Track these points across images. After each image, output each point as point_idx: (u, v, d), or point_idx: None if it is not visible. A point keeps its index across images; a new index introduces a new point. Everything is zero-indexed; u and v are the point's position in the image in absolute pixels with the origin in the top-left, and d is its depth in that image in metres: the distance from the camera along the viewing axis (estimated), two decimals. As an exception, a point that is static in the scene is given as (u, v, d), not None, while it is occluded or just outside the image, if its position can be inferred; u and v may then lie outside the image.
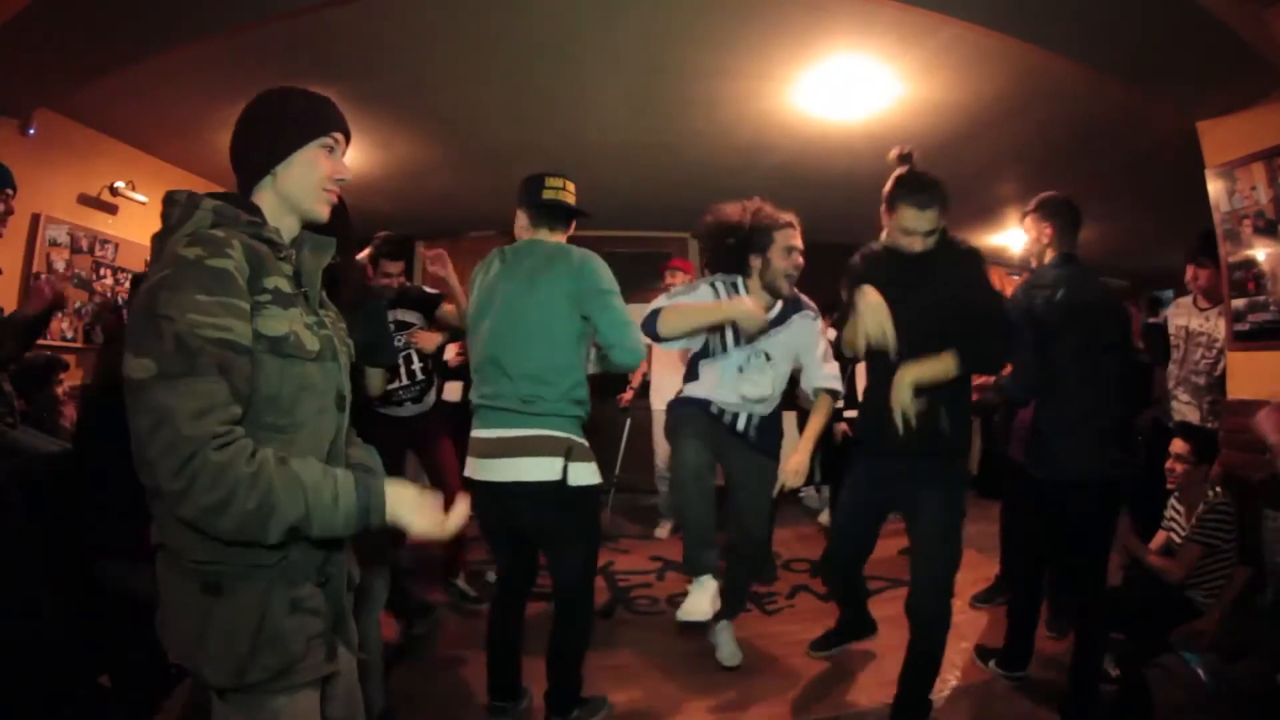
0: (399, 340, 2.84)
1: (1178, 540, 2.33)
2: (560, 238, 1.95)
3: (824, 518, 4.49)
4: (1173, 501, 2.42)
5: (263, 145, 1.02)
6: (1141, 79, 2.80)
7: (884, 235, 2.00)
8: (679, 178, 4.42)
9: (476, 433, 1.89)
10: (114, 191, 3.61)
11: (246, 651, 0.90)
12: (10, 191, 2.17)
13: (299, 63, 2.83)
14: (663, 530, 4.24)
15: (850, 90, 3.09)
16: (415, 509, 0.97)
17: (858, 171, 4.10)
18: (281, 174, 1.02)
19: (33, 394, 2.38)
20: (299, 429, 0.96)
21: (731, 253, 2.38)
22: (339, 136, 1.08)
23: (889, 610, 3.05)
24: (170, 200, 0.96)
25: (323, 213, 1.06)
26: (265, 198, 1.02)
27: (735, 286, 2.37)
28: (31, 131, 3.06)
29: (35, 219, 3.18)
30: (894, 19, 2.51)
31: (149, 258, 0.97)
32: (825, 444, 5.08)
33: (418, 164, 4.15)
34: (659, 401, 4.07)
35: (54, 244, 3.32)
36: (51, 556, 1.78)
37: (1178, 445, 2.37)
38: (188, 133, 3.48)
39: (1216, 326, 2.89)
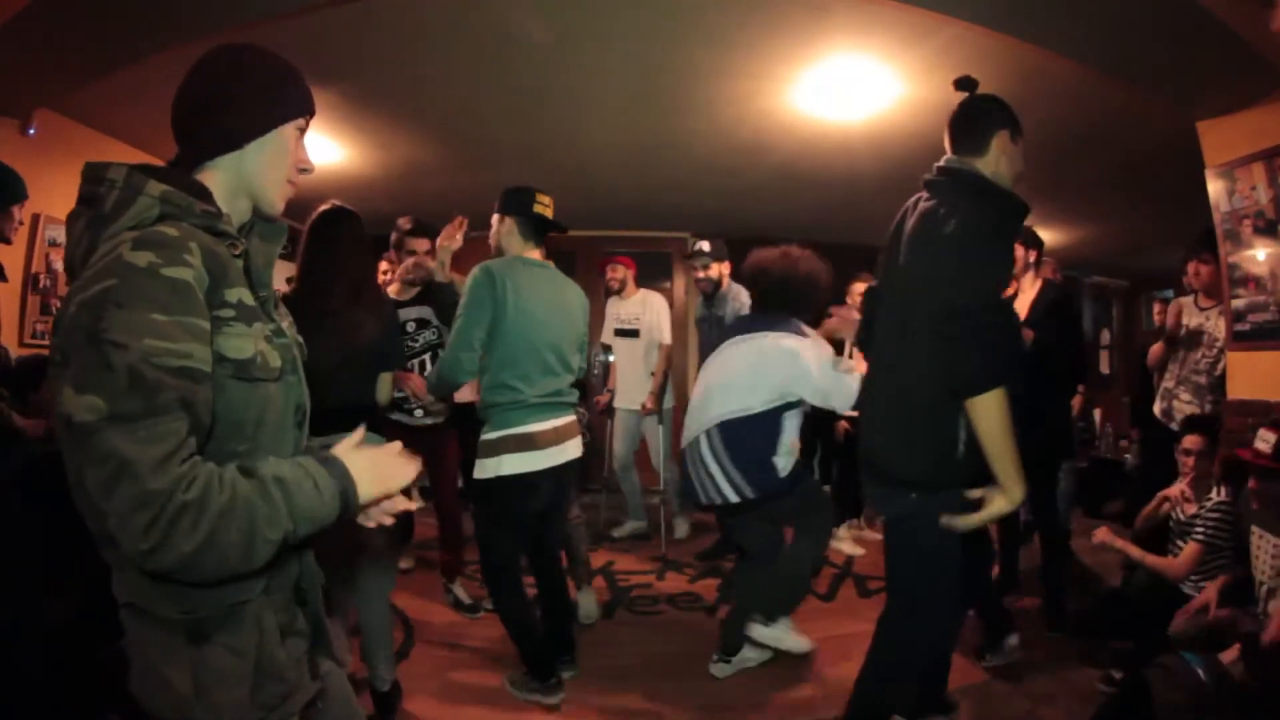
0: (417, 340, 2.81)
1: (1179, 521, 2.38)
2: (540, 251, 2.22)
3: (843, 534, 4.02)
4: (1184, 490, 2.44)
5: (238, 113, 0.86)
6: (1141, 79, 2.80)
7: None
8: (679, 178, 4.42)
9: (536, 426, 2.06)
10: (114, 191, 3.61)
11: (249, 692, 0.81)
12: (24, 201, 2.20)
13: (298, 63, 2.82)
14: (682, 528, 4.20)
15: (850, 90, 3.09)
16: (377, 466, 0.87)
17: (858, 171, 4.11)
18: (253, 152, 0.87)
19: (25, 396, 2.37)
20: (262, 450, 0.85)
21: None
22: (306, 123, 0.94)
23: (889, 610, 3.06)
24: (98, 176, 0.79)
25: (280, 205, 0.92)
26: (217, 177, 0.86)
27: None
28: (31, 131, 3.06)
29: (35, 219, 3.19)
30: (894, 19, 2.51)
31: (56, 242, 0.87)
32: (825, 442, 5.10)
33: (418, 164, 4.15)
34: (625, 400, 4.08)
35: (54, 244, 3.32)
36: (53, 550, 1.77)
37: (1191, 440, 2.39)
38: (187, 133, 3.48)
39: (1217, 325, 2.89)
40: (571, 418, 2.20)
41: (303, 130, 0.93)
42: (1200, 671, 1.60)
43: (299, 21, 2.53)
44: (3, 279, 2.25)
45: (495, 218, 2.22)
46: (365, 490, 0.84)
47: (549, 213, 2.16)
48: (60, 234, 3.36)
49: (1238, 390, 2.77)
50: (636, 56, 2.88)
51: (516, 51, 2.85)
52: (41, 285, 3.29)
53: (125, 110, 3.25)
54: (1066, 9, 2.34)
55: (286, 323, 0.97)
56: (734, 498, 2.21)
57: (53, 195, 3.30)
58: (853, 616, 2.98)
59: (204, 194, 0.83)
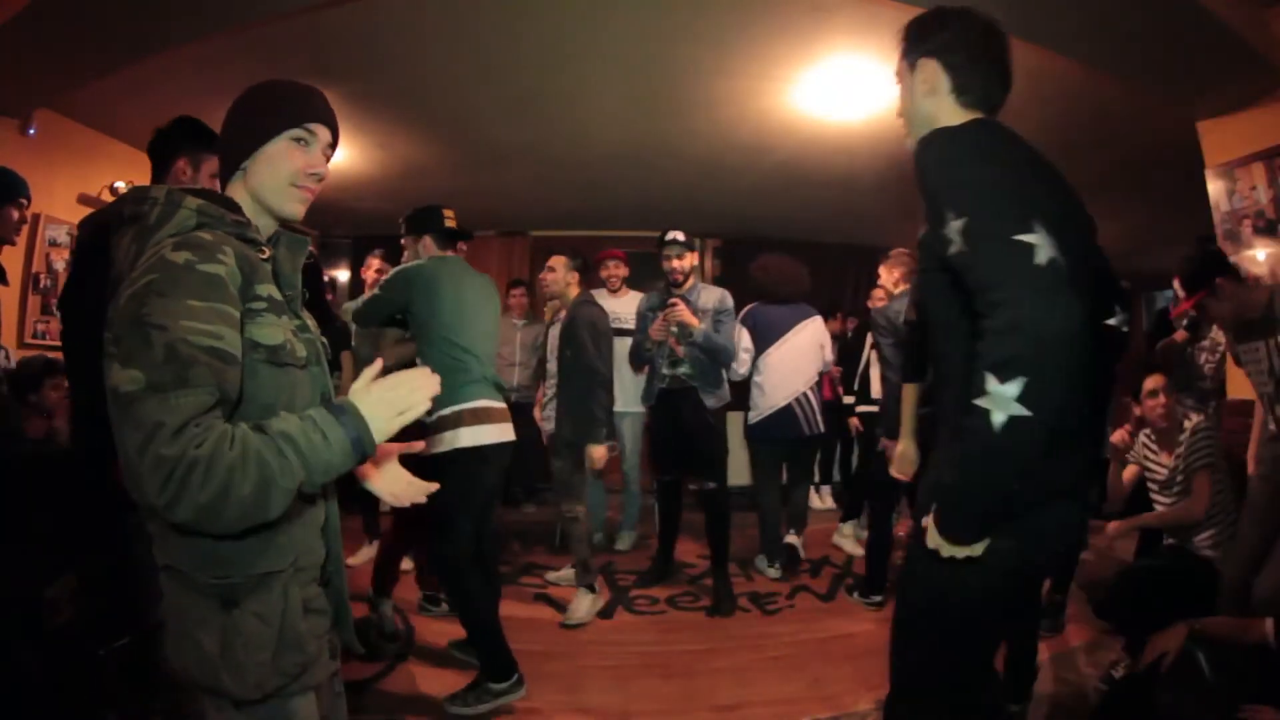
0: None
1: (1160, 477, 2.37)
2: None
3: (846, 531, 4.08)
4: (1144, 442, 2.44)
5: (234, 139, 0.99)
6: (1141, 79, 2.80)
7: None
8: (679, 178, 4.42)
9: (492, 403, 2.22)
10: (114, 191, 3.60)
11: (270, 657, 0.89)
12: (25, 201, 2.19)
13: (299, 63, 2.83)
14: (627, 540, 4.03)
15: (850, 90, 3.09)
16: (392, 402, 0.90)
17: (858, 171, 4.11)
18: (250, 169, 0.98)
19: (24, 397, 2.37)
20: None
21: None
22: (315, 128, 1.00)
23: (889, 611, 3.05)
24: (143, 197, 0.90)
25: (294, 210, 1.00)
26: (239, 194, 0.99)
27: None
28: (31, 131, 3.06)
29: (35, 219, 3.18)
30: (894, 19, 2.48)
31: (74, 246, 0.95)
32: (825, 442, 5.09)
33: (418, 164, 4.15)
34: (623, 403, 3.84)
35: (54, 244, 3.33)
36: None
37: (1153, 381, 2.37)
38: (188, 133, 3.48)
39: (1219, 332, 2.89)
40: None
41: (303, 140, 0.99)
42: (1203, 663, 1.60)
43: (299, 21, 2.53)
44: (3, 282, 2.25)
45: (408, 239, 2.38)
46: (381, 427, 0.89)
47: (454, 224, 2.38)
48: (60, 234, 3.36)
49: (1237, 390, 2.76)
50: (637, 56, 2.88)
51: (516, 51, 2.85)
52: (42, 285, 3.29)
53: (125, 110, 3.25)
54: (1066, 9, 2.34)
55: (311, 322, 1.06)
56: (820, 430, 3.56)
57: (53, 195, 3.30)
58: (853, 616, 2.98)
59: (234, 207, 0.95)
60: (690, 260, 3.17)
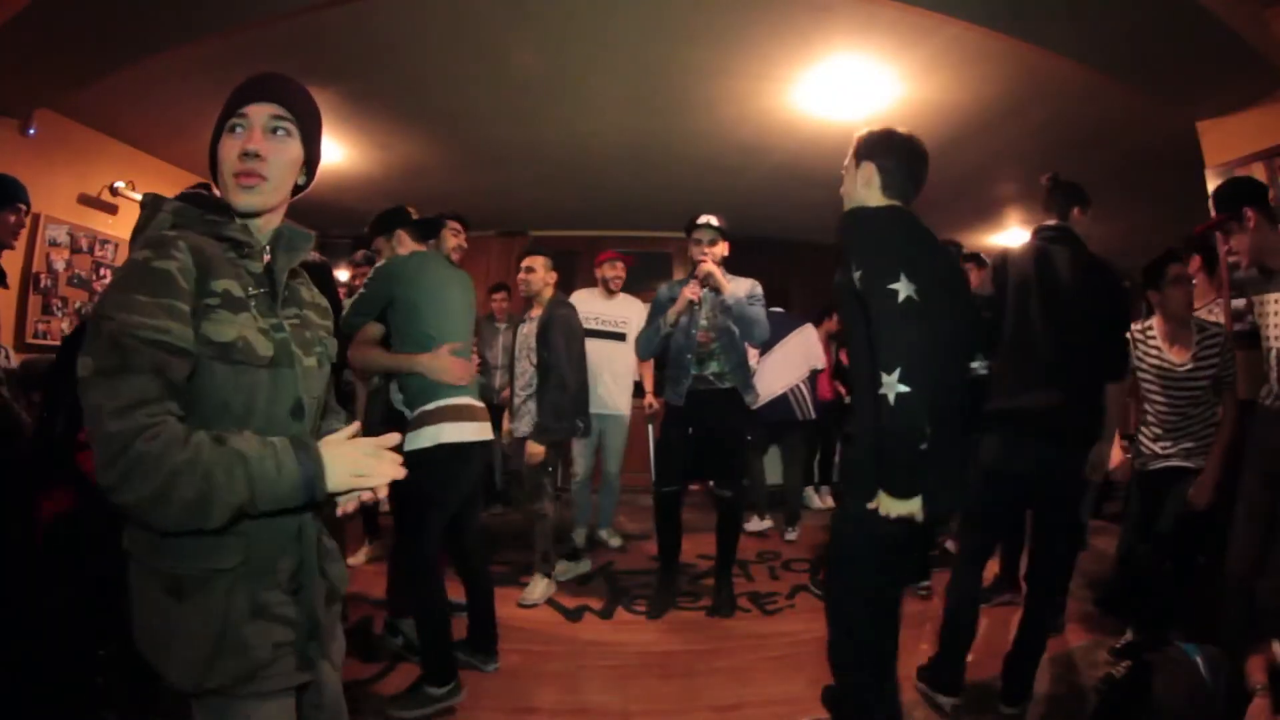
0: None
1: (1173, 373, 2.41)
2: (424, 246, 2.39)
3: None
4: (1141, 337, 2.48)
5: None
6: (1141, 79, 2.80)
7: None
8: (679, 178, 4.42)
9: (473, 401, 2.20)
10: (114, 191, 3.61)
11: (208, 656, 0.89)
12: (24, 207, 2.20)
13: (298, 63, 2.83)
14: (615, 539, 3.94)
15: (850, 90, 3.09)
16: (356, 461, 0.91)
17: (858, 171, 4.11)
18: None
19: (26, 396, 2.37)
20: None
21: None
22: (247, 110, 0.96)
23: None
24: (142, 203, 0.97)
25: (242, 202, 0.96)
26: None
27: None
28: (31, 131, 3.06)
29: (35, 219, 3.18)
30: (894, 19, 2.51)
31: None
32: (825, 443, 5.10)
33: (418, 164, 4.16)
34: (613, 405, 3.76)
35: (54, 244, 3.33)
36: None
37: (1177, 268, 2.40)
38: (188, 133, 3.48)
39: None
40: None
41: (235, 128, 0.96)
42: (1200, 664, 1.60)
43: (299, 21, 2.53)
44: (2, 284, 2.25)
45: (380, 241, 2.40)
46: (335, 481, 0.90)
47: (416, 214, 2.40)
48: (60, 234, 3.36)
49: (1238, 390, 2.76)
50: (637, 56, 2.89)
51: (516, 51, 2.85)
52: (42, 285, 3.29)
53: (125, 110, 3.25)
54: (1066, 9, 2.34)
55: (304, 318, 1.04)
56: (812, 416, 4.09)
57: (53, 195, 3.31)
58: (853, 616, 2.98)
59: (216, 206, 0.97)
60: (721, 249, 2.84)
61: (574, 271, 5.97)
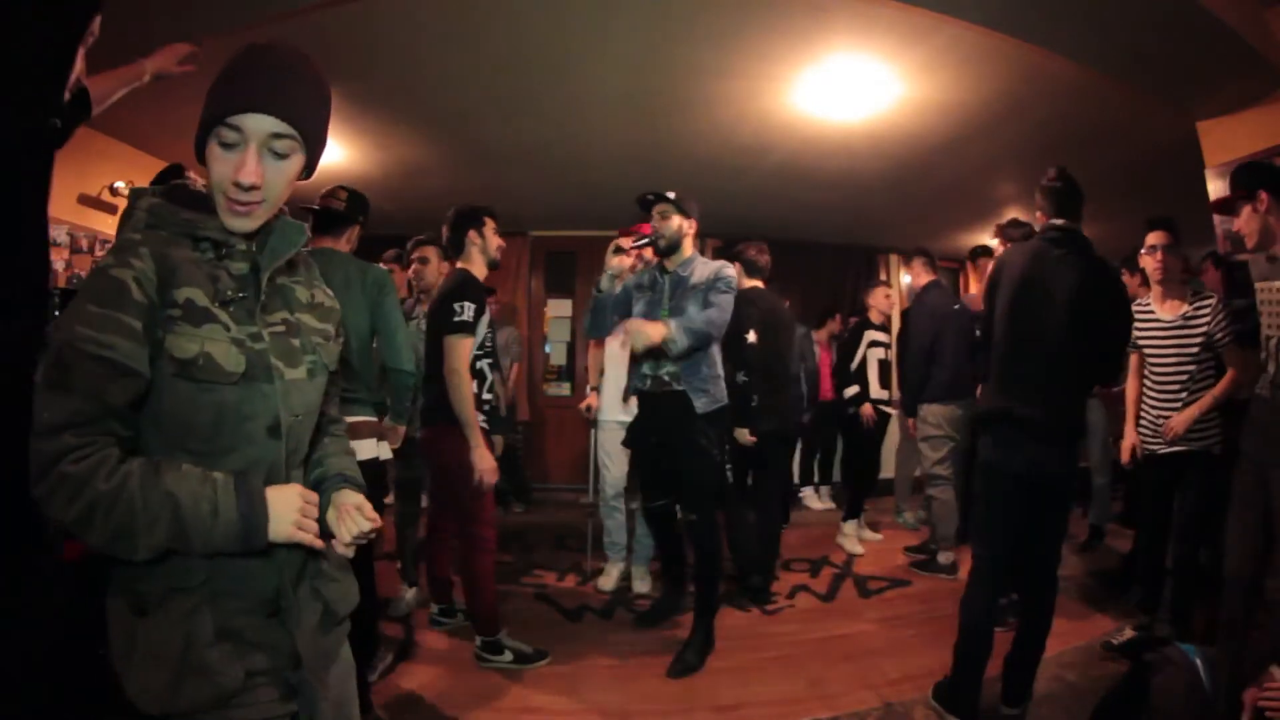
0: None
1: (1161, 332, 2.48)
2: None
3: (847, 531, 4.04)
4: (1143, 303, 2.54)
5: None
6: (1141, 79, 2.80)
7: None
8: (679, 178, 4.41)
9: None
10: (114, 191, 3.61)
11: (170, 680, 0.82)
12: None
13: (299, 63, 2.83)
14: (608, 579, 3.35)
15: (850, 90, 3.09)
16: (304, 514, 0.87)
17: (858, 171, 4.11)
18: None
19: None
20: (226, 454, 0.85)
21: None
22: (242, 122, 0.83)
23: (889, 610, 3.06)
24: (128, 196, 0.91)
25: (233, 224, 0.87)
26: None
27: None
28: (31, 131, 3.05)
29: (35, 219, 3.18)
30: (894, 19, 2.51)
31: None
32: (825, 442, 5.09)
33: (417, 164, 4.15)
34: (616, 412, 3.23)
35: (54, 244, 3.32)
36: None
37: (1155, 236, 2.49)
38: (188, 133, 3.42)
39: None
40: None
41: (228, 144, 0.84)
42: (1199, 664, 1.60)
43: (299, 21, 2.53)
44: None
45: (355, 230, 2.32)
46: (280, 528, 0.85)
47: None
48: (60, 234, 3.36)
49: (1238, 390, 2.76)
50: (637, 56, 2.88)
51: (516, 51, 2.85)
52: (41, 285, 3.29)
53: (125, 110, 3.23)
54: (1066, 9, 2.34)
55: (294, 323, 0.95)
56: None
57: (53, 195, 3.29)
58: (853, 616, 2.98)
59: (196, 201, 0.89)
60: (678, 224, 2.48)
61: (574, 272, 5.99)
